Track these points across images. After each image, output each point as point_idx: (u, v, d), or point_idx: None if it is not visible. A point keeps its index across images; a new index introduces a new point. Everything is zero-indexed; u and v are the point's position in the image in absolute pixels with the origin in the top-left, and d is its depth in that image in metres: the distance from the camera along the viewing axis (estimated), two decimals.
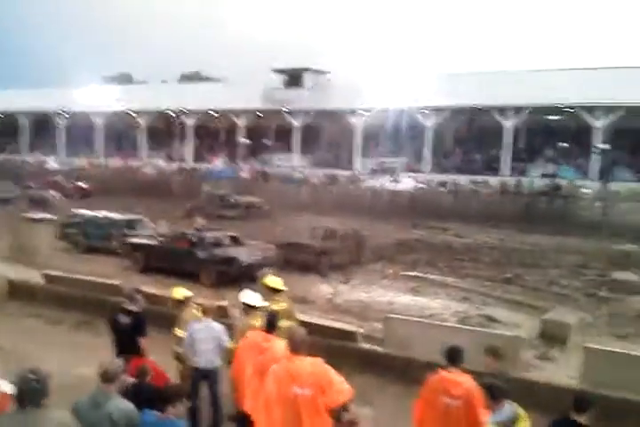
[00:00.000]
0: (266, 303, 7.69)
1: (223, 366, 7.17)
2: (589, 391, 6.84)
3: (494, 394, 4.87)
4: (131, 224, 19.61)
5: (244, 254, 16.06)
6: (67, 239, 20.01)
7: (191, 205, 28.00)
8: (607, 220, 25.92)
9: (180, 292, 8.16)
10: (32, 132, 52.40)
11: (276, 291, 8.19)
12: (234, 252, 16.27)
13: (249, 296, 7.59)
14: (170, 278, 15.38)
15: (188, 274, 15.54)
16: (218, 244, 16.61)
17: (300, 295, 13.63)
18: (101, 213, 20.76)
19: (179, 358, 7.80)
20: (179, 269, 16.00)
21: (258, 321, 7.11)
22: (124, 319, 7.60)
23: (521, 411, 4.81)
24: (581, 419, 4.69)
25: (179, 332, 7.77)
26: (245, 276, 15.14)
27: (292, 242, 18.21)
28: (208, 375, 7.19)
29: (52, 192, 31.62)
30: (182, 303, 8.02)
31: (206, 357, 7.16)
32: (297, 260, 17.21)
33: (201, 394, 7.34)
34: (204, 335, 7.22)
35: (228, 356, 7.05)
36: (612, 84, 30.59)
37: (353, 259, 18.28)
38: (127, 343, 7.43)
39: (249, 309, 7.40)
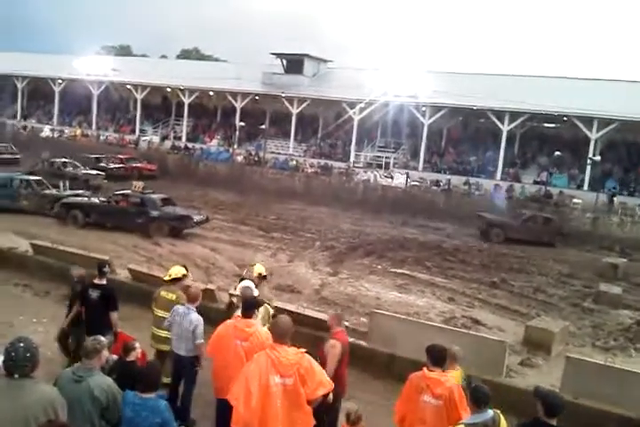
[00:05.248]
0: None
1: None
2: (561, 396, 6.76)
3: (478, 398, 4.76)
4: (30, 184, 21.26)
5: (193, 213, 19.44)
6: None
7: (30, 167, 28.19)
8: (596, 231, 26.02)
9: (177, 270, 7.91)
10: (27, 98, 51.54)
11: (263, 278, 8.35)
12: (183, 210, 19.51)
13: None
14: (114, 233, 18.04)
15: (132, 229, 18.35)
16: (161, 204, 19.33)
17: (287, 284, 13.62)
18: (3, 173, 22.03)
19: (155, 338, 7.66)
20: (126, 224, 18.61)
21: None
22: (94, 294, 7.50)
23: (504, 422, 4.71)
24: (552, 422, 4.58)
25: (159, 312, 7.62)
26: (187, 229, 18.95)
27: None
28: (180, 360, 6.89)
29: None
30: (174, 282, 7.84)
31: (177, 343, 6.88)
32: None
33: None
34: (179, 321, 6.87)
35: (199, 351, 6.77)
36: (610, 97, 30.54)
37: (537, 238, 23.27)
38: (97, 318, 7.36)
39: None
